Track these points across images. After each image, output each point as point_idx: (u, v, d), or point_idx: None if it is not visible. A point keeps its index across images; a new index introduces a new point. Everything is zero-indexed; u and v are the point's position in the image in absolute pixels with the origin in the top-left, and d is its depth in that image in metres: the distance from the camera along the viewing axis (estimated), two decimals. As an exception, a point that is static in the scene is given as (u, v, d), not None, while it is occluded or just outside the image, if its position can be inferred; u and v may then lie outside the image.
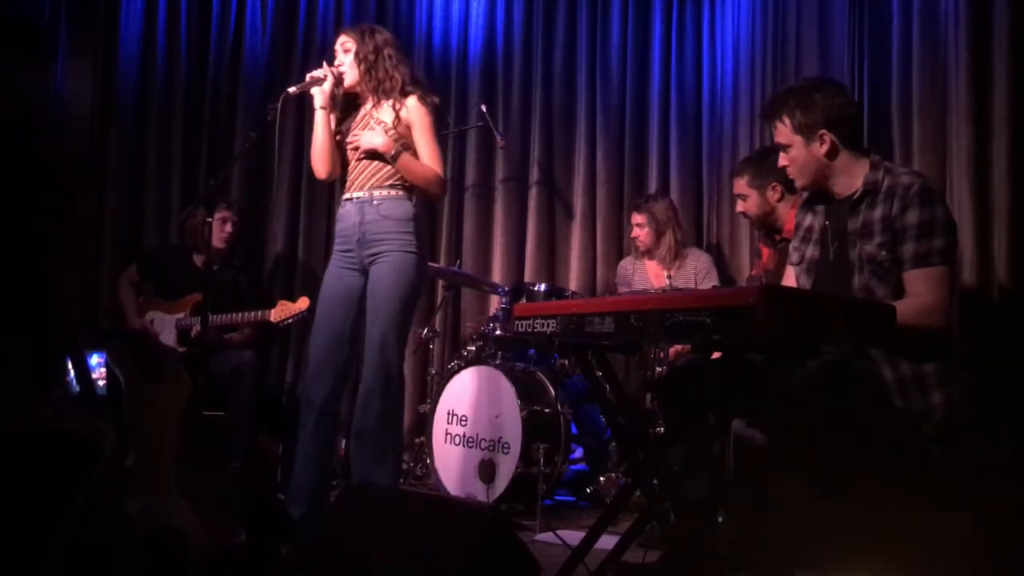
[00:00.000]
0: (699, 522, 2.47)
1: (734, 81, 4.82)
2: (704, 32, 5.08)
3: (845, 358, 2.33)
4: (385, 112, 3.19)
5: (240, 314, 4.12)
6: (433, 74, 5.24)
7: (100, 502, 0.87)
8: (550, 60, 5.26)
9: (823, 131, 2.43)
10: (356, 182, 3.21)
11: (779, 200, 3.65)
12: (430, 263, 4.92)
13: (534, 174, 5.19)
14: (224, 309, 4.14)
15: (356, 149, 3.21)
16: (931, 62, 3.39)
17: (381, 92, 3.19)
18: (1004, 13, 3.03)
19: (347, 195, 3.23)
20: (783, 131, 2.49)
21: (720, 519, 2.62)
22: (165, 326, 4.26)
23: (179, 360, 1.12)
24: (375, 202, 3.15)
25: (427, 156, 3.18)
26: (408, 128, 3.18)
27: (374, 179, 3.18)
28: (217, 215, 4.32)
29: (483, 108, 4.84)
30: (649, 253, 4.43)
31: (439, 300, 5.05)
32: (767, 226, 3.76)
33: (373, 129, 3.17)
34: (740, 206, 3.79)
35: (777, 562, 2.36)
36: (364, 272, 3.19)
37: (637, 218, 4.43)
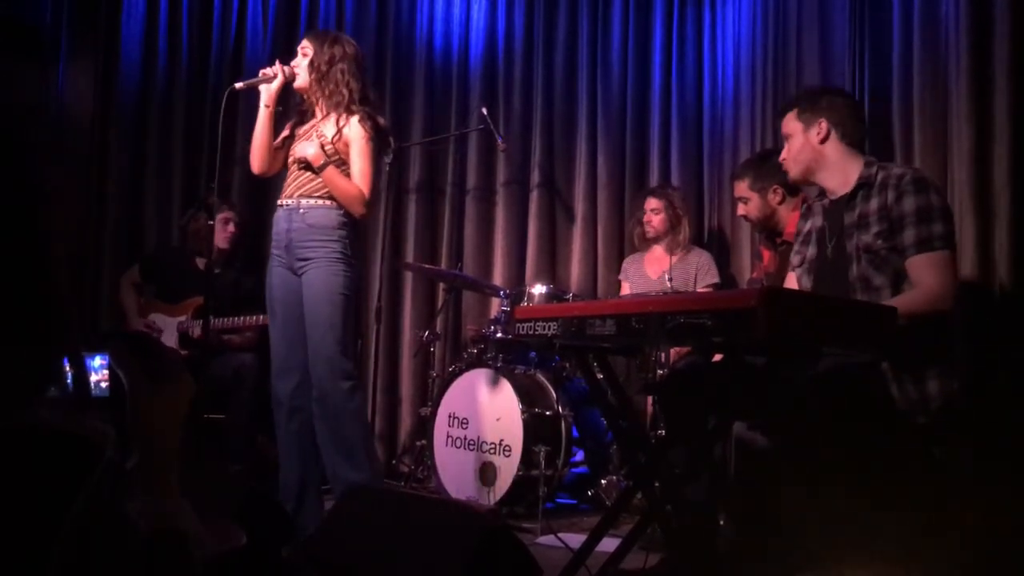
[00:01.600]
0: (700, 525, 2.47)
1: (735, 84, 4.82)
2: (705, 35, 5.08)
3: (846, 360, 2.34)
4: (329, 126, 3.23)
5: (242, 318, 4.12)
6: (434, 77, 5.25)
7: (100, 504, 0.87)
8: (551, 63, 5.27)
9: (822, 119, 2.56)
10: (288, 189, 3.27)
11: (780, 203, 3.65)
12: (431, 266, 4.95)
13: (535, 177, 5.19)
14: (225, 312, 4.15)
15: (294, 158, 3.28)
16: (932, 65, 3.39)
17: (329, 103, 3.24)
18: (1005, 16, 3.03)
19: (280, 201, 3.29)
20: (788, 121, 2.64)
21: (721, 522, 2.62)
22: (167, 328, 4.27)
23: (182, 361, 1.12)
24: (301, 211, 3.20)
25: (357, 174, 3.20)
26: (346, 145, 3.21)
27: (303, 188, 3.23)
28: (219, 216, 4.33)
29: (484, 111, 4.84)
30: (656, 240, 4.42)
31: (440, 303, 5.04)
32: (768, 229, 3.76)
33: (312, 140, 3.22)
34: (741, 209, 3.79)
35: (778, 564, 2.35)
36: (296, 274, 3.24)
37: (653, 203, 4.42)
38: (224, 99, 3.19)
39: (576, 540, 2.49)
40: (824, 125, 2.55)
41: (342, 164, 3.20)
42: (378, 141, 3.26)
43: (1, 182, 0.83)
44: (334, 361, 3.14)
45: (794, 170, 2.65)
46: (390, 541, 2.30)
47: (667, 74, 5.13)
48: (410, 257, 5.10)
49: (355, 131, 3.20)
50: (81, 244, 4.66)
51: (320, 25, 5.13)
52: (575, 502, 4.28)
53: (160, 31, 4.93)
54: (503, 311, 4.23)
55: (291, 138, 3.35)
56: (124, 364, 1.06)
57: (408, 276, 5.11)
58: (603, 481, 4.02)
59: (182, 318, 4.27)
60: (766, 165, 3.68)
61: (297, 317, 3.21)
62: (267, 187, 5.07)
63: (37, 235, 0.86)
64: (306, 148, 3.20)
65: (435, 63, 5.28)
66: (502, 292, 4.38)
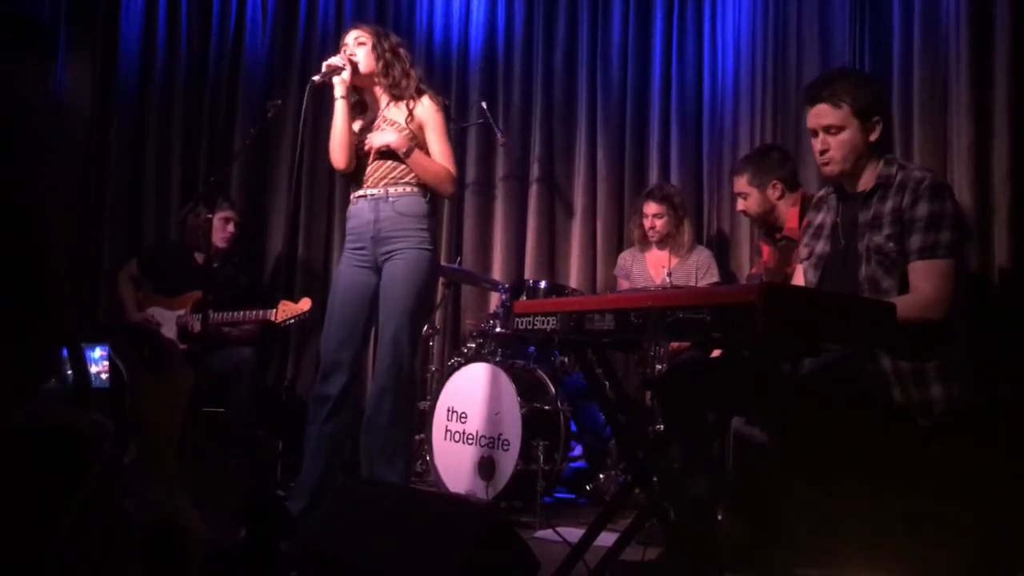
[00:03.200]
0: (699, 520, 2.47)
1: (735, 79, 4.81)
2: (705, 30, 5.07)
3: (845, 356, 2.33)
4: (397, 112, 3.21)
5: (242, 313, 4.12)
6: (434, 71, 5.24)
7: (99, 497, 0.87)
8: (551, 57, 5.26)
9: (877, 118, 2.45)
10: (371, 179, 3.21)
11: (779, 198, 3.65)
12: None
13: (534, 171, 5.19)
14: (224, 306, 4.15)
15: (370, 150, 3.21)
16: (932, 60, 3.38)
17: (395, 90, 3.22)
18: (1005, 11, 3.02)
19: (360, 192, 3.23)
20: (841, 113, 2.46)
21: (719, 517, 2.62)
22: (165, 322, 4.27)
23: (182, 354, 1.12)
24: (391, 199, 3.16)
25: (439, 154, 3.20)
26: (420, 127, 3.20)
27: (389, 176, 3.19)
28: (220, 214, 4.32)
29: (483, 105, 4.84)
30: (662, 243, 4.40)
31: (439, 297, 5.04)
32: (767, 224, 3.76)
33: (384, 130, 3.19)
34: (740, 204, 3.79)
35: (777, 560, 2.36)
36: (377, 270, 3.20)
37: (654, 207, 4.37)
38: (307, 93, 3.13)
39: (574, 534, 2.49)
40: (880, 125, 2.45)
41: (419, 146, 3.18)
42: (447, 120, 3.29)
43: (1, 178, 0.83)
44: (403, 358, 3.10)
45: (838, 168, 2.49)
46: (388, 535, 2.30)
47: (667, 68, 5.12)
48: (409, 251, 5.09)
49: (429, 111, 3.20)
50: (80, 238, 4.66)
51: (320, 19, 5.13)
52: (573, 496, 4.28)
53: (159, 25, 4.92)
54: (502, 305, 4.24)
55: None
56: (124, 356, 1.06)
57: (407, 270, 5.10)
58: (601, 476, 4.02)
59: (181, 312, 4.27)
60: (765, 161, 3.67)
61: (359, 318, 3.18)
62: (265, 183, 5.08)
63: (35, 230, 0.86)
64: (384, 137, 3.16)
65: (434, 57, 5.28)
66: (501, 286, 4.37)
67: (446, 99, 3.36)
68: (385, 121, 3.21)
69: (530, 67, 5.27)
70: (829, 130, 2.48)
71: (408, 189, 3.17)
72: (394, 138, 3.14)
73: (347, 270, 3.23)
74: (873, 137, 2.46)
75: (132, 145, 4.88)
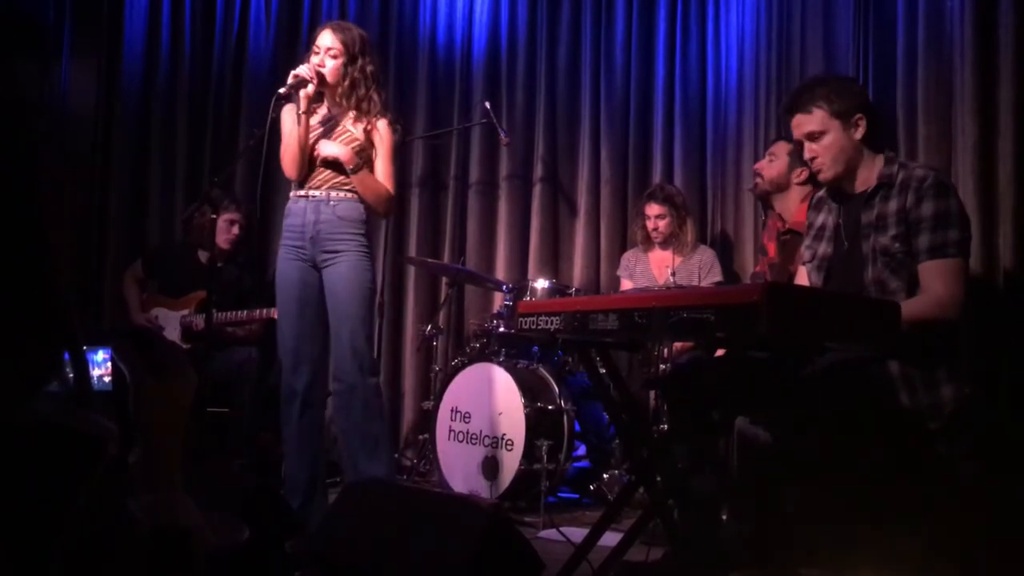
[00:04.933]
0: (702, 520, 2.47)
1: (738, 78, 4.80)
2: (708, 29, 5.06)
3: (850, 355, 2.33)
4: (355, 127, 3.29)
5: (244, 312, 4.13)
6: (437, 71, 5.25)
7: (103, 499, 0.87)
8: (554, 57, 5.26)
9: (859, 115, 2.44)
10: (315, 181, 3.27)
11: (800, 183, 3.67)
12: (433, 260, 4.95)
13: (538, 171, 5.18)
14: (228, 306, 4.15)
15: (317, 154, 3.27)
16: (936, 58, 3.37)
17: (357, 108, 3.28)
18: (1009, 10, 3.02)
19: (302, 192, 3.29)
20: (819, 117, 2.47)
21: (723, 517, 2.62)
22: (169, 323, 4.27)
23: (185, 356, 1.12)
24: (331, 203, 3.24)
25: (382, 174, 3.31)
26: (372, 146, 3.30)
27: (332, 182, 3.26)
28: (225, 216, 4.33)
29: (487, 105, 4.84)
30: (665, 243, 4.40)
31: (443, 297, 5.05)
32: (767, 195, 3.79)
33: (340, 141, 3.25)
34: (761, 163, 3.80)
35: (781, 560, 2.35)
36: (315, 267, 3.25)
37: (656, 209, 4.37)
38: (272, 104, 3.21)
39: (578, 534, 2.49)
40: (863, 121, 2.44)
41: (367, 164, 3.27)
42: (399, 144, 3.41)
43: (2, 179, 0.83)
44: (363, 355, 3.18)
45: (831, 171, 2.48)
46: (393, 535, 2.30)
47: (670, 68, 5.11)
48: (413, 251, 5.10)
49: (383, 135, 3.30)
50: (84, 239, 4.67)
51: (323, 19, 5.12)
52: (577, 496, 4.28)
53: (163, 26, 4.93)
54: (505, 305, 4.24)
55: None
56: (127, 359, 1.06)
57: (411, 270, 5.12)
58: (605, 476, 4.02)
59: (185, 312, 4.28)
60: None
61: (313, 311, 3.23)
62: (269, 183, 5.07)
63: (34, 232, 0.86)
64: (335, 148, 3.23)
65: (438, 57, 5.28)
66: (504, 286, 4.38)
67: (400, 125, 3.50)
68: (343, 133, 3.27)
69: (533, 67, 5.27)
70: (812, 137, 2.49)
71: (349, 195, 3.25)
72: (344, 153, 3.22)
73: (289, 266, 3.27)
74: (858, 135, 2.46)
75: (136, 146, 4.88)
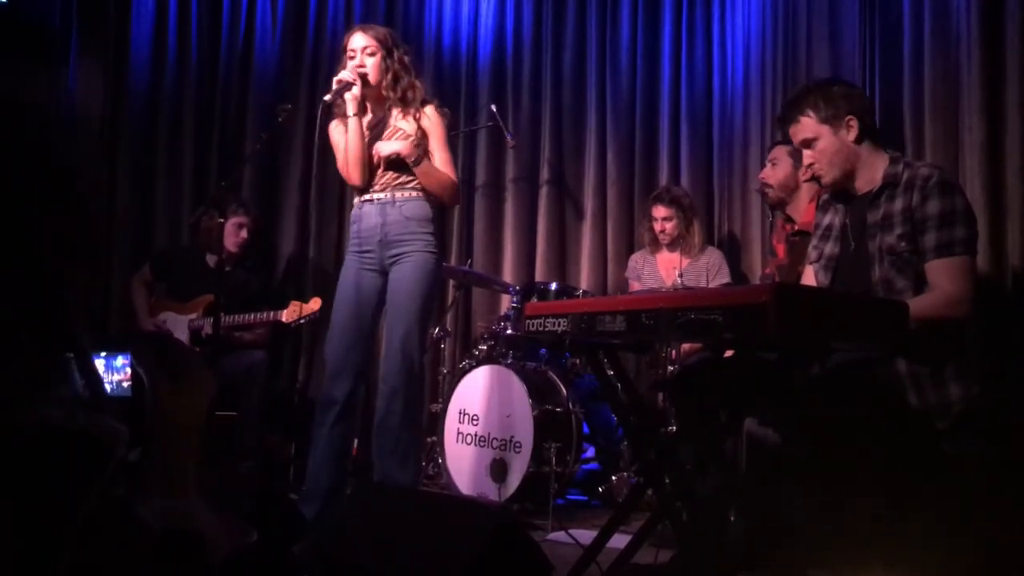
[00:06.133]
0: (711, 521, 2.47)
1: (744, 79, 4.80)
2: (714, 30, 5.05)
3: (858, 356, 2.32)
4: (405, 123, 3.26)
5: (252, 315, 4.13)
6: (443, 74, 5.25)
7: (112, 501, 0.88)
8: (560, 59, 5.26)
9: (849, 117, 2.45)
10: (378, 185, 3.25)
11: (807, 180, 3.66)
12: (441, 263, 4.95)
13: (544, 173, 5.19)
14: (236, 310, 4.16)
15: (378, 159, 3.24)
16: (943, 57, 3.37)
17: (402, 101, 3.26)
18: (1016, 7, 3.01)
19: (367, 197, 3.26)
20: (808, 125, 2.49)
21: (732, 518, 2.61)
22: (177, 326, 4.28)
23: (203, 362, 1.12)
24: (398, 203, 3.21)
25: (442, 163, 3.27)
26: (425, 136, 3.26)
27: (396, 183, 3.23)
28: (233, 220, 4.34)
29: (493, 108, 4.85)
30: (673, 245, 4.40)
31: (450, 299, 5.05)
32: (782, 202, 3.76)
33: (394, 138, 3.23)
34: (765, 172, 3.77)
35: (789, 561, 2.35)
36: (383, 273, 3.24)
37: (663, 211, 4.36)
38: (319, 112, 3.18)
39: (587, 536, 2.49)
40: (854, 122, 2.44)
41: (428, 156, 3.25)
42: (449, 128, 3.37)
43: (6, 182, 0.84)
44: (413, 359, 3.15)
45: (830, 175, 2.49)
46: (401, 538, 2.30)
47: (676, 69, 5.11)
48: (420, 254, 5.10)
49: (433, 122, 3.27)
50: (91, 243, 4.68)
51: (329, 22, 5.15)
52: (586, 498, 4.27)
53: (169, 30, 4.94)
54: (513, 308, 4.23)
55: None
56: (146, 364, 1.06)
57: (418, 273, 5.11)
58: (614, 478, 4.01)
59: (193, 316, 4.29)
60: None
61: (365, 321, 3.22)
62: (276, 186, 5.09)
63: (40, 235, 0.86)
64: (393, 146, 3.20)
65: (444, 60, 5.29)
66: (512, 289, 4.37)
67: (448, 108, 3.43)
68: (396, 132, 3.25)
69: (539, 69, 5.27)
70: (807, 144, 2.51)
71: (414, 194, 3.23)
72: (404, 147, 3.19)
73: (353, 273, 3.26)
74: (851, 137, 2.45)
75: (143, 150, 4.89)
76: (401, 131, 3.24)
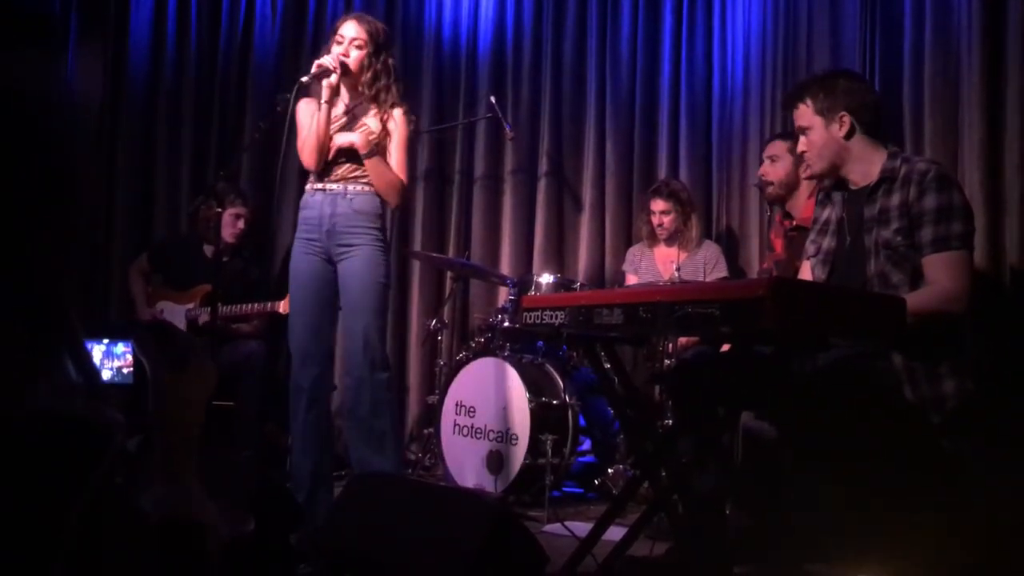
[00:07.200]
0: (707, 514, 2.47)
1: (744, 73, 4.79)
2: (715, 23, 5.04)
3: (855, 350, 2.33)
4: (371, 117, 3.28)
5: (250, 305, 4.13)
6: (443, 65, 5.24)
7: (110, 491, 0.88)
8: (560, 51, 5.24)
9: (843, 113, 2.46)
10: (332, 175, 3.27)
11: (807, 178, 3.66)
12: (438, 254, 4.95)
13: (543, 165, 5.18)
14: (234, 300, 4.16)
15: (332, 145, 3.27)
16: (943, 53, 3.37)
17: (374, 100, 3.28)
18: (1017, 4, 3.01)
19: (319, 186, 3.29)
20: (805, 113, 2.52)
21: (728, 511, 2.62)
22: (175, 316, 4.28)
23: (205, 350, 1.12)
24: (348, 196, 3.24)
25: (397, 163, 3.29)
26: (387, 136, 3.29)
27: (349, 175, 3.26)
28: (230, 210, 4.33)
29: (492, 99, 4.84)
30: (670, 239, 4.40)
31: (447, 291, 5.05)
32: (782, 199, 3.75)
33: (356, 130, 3.25)
34: (765, 168, 3.77)
35: (785, 555, 2.36)
36: (330, 261, 3.26)
37: (660, 204, 4.37)
38: (294, 91, 3.17)
39: (583, 529, 2.50)
40: (847, 119, 2.45)
41: (380, 152, 3.26)
42: (415, 137, 3.41)
43: (3, 171, 0.84)
44: (375, 350, 3.19)
45: (817, 166, 2.53)
46: (397, 529, 2.31)
47: (676, 63, 5.09)
48: (417, 245, 5.10)
49: (398, 123, 3.29)
50: (90, 232, 4.67)
51: (329, 12, 5.13)
52: (582, 491, 4.28)
53: (169, 18, 4.93)
54: (510, 300, 4.23)
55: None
56: (147, 352, 1.06)
57: (415, 264, 5.12)
58: (610, 470, 4.02)
59: (190, 305, 4.29)
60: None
61: (324, 306, 3.25)
62: (275, 176, 5.07)
63: (34, 225, 0.86)
64: (349, 136, 3.23)
65: (443, 51, 5.27)
66: (509, 281, 4.37)
67: (416, 116, 3.51)
68: (361, 126, 3.27)
69: (539, 61, 5.25)
70: (803, 132, 2.54)
71: (365, 188, 3.25)
72: (358, 138, 3.22)
73: (302, 259, 3.28)
74: (841, 133, 2.47)
75: (142, 138, 4.89)
76: (366, 127, 3.26)
